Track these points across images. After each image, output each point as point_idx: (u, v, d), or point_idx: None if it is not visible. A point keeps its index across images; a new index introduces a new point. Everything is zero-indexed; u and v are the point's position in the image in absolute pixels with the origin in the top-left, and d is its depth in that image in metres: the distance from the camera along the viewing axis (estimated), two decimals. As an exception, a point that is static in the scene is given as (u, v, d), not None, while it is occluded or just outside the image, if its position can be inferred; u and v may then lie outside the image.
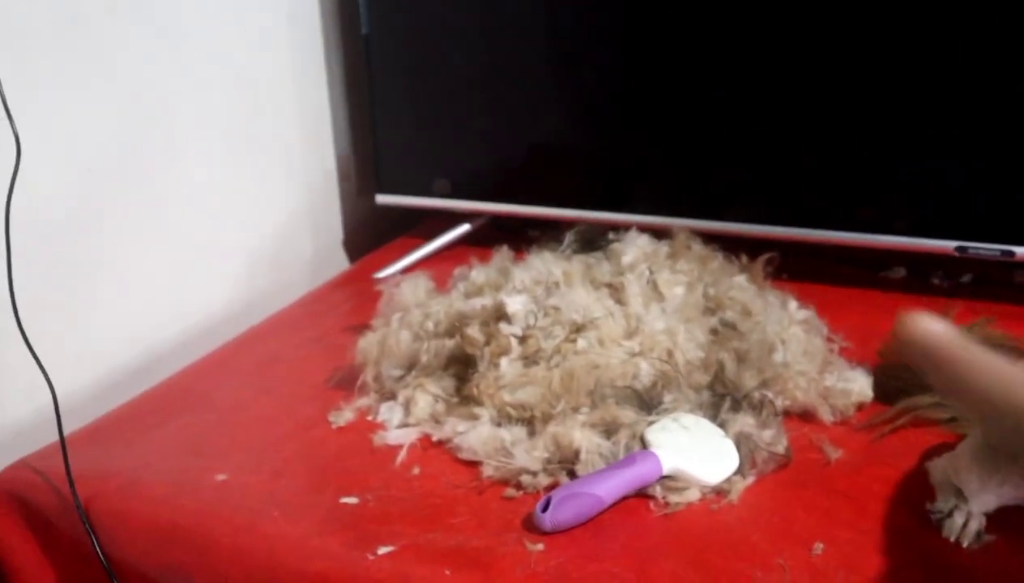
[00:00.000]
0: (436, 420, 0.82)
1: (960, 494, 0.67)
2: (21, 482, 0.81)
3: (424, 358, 0.85)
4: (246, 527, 0.73)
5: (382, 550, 0.68)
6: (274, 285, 1.15)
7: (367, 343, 0.87)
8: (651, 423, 0.76)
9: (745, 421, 0.76)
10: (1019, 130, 0.95)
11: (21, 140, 0.79)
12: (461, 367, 0.84)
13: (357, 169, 1.27)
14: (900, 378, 0.83)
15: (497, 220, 1.21)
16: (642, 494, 0.72)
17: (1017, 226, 0.97)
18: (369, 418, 0.85)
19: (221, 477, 0.78)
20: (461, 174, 1.19)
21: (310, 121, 1.21)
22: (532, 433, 0.77)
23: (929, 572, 0.64)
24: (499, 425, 0.78)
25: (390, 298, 0.92)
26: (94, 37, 0.92)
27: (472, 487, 0.75)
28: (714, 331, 0.86)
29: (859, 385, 0.83)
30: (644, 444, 0.74)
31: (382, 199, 1.21)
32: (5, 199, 0.79)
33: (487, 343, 0.82)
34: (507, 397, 0.79)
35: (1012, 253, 0.97)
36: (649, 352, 0.82)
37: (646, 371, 0.80)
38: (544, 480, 0.74)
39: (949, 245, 0.99)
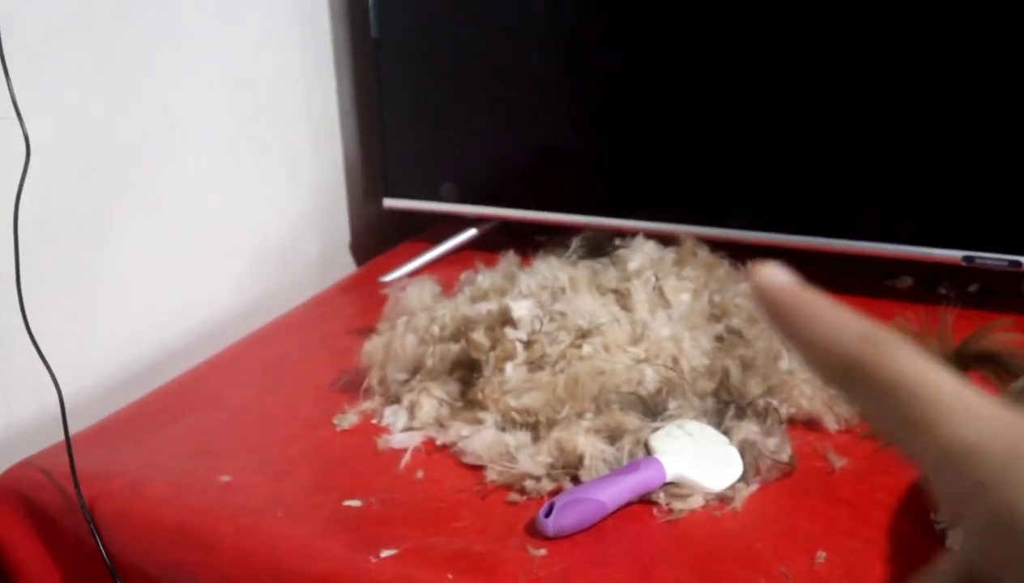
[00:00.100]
0: (440, 424, 0.82)
1: (964, 504, 0.67)
2: (26, 481, 0.81)
3: (429, 362, 0.85)
4: (250, 528, 0.73)
5: (385, 553, 0.68)
6: (280, 287, 1.15)
7: (372, 346, 0.87)
8: (655, 429, 0.76)
9: (749, 428, 0.76)
10: (1027, 140, 0.95)
11: (31, 140, 0.79)
12: (466, 371, 0.84)
13: (365, 173, 1.27)
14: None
15: (504, 225, 1.21)
16: (645, 500, 0.73)
17: (1025, 236, 0.97)
18: (374, 421, 0.85)
19: (225, 478, 0.78)
20: (468, 179, 1.19)
21: (318, 124, 1.21)
22: (536, 438, 0.77)
23: None
24: (503, 430, 0.78)
25: (396, 302, 0.92)
26: (102, 38, 0.92)
27: (476, 491, 0.75)
28: (719, 338, 0.86)
29: (864, 394, 0.82)
30: (648, 450, 0.74)
31: (389, 203, 1.21)
32: (14, 198, 0.80)
33: (492, 348, 0.83)
34: (512, 402, 0.79)
35: (1020, 263, 0.97)
36: (654, 358, 0.82)
37: (651, 377, 0.80)
38: (548, 485, 0.74)
39: (956, 255, 0.99)
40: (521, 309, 0.83)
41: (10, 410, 0.88)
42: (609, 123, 1.13)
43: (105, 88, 0.93)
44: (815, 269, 1.14)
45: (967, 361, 0.80)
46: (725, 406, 0.79)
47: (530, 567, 0.66)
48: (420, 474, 0.78)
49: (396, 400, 0.85)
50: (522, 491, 0.74)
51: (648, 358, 0.81)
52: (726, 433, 0.77)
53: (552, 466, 0.74)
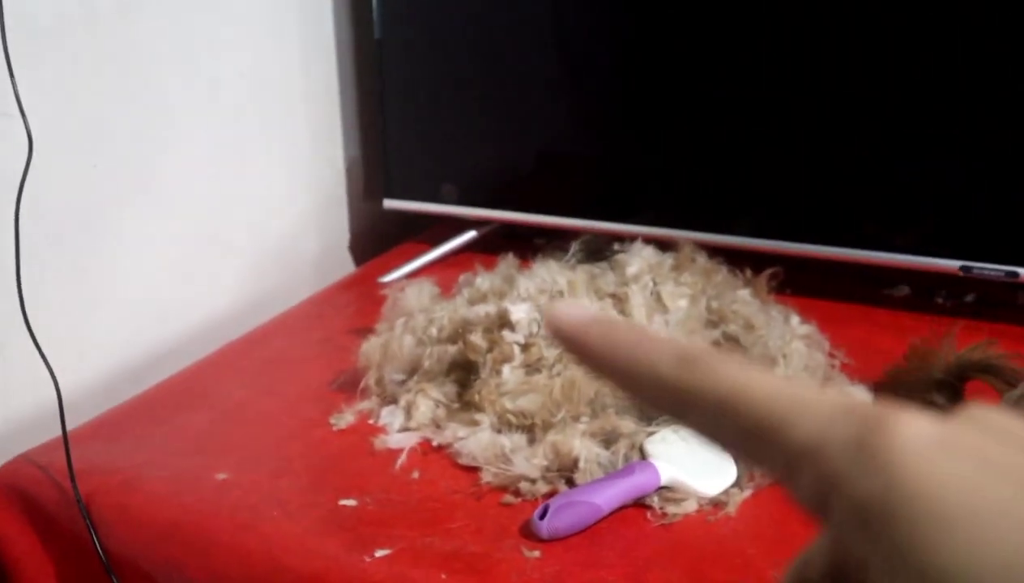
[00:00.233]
0: (437, 425, 0.82)
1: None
2: (23, 476, 0.81)
3: (427, 363, 0.85)
4: (245, 526, 0.73)
5: (379, 553, 0.69)
6: (279, 286, 1.16)
7: (370, 347, 0.87)
8: (650, 434, 0.76)
9: (744, 434, 0.76)
10: (1025, 152, 0.95)
11: (33, 137, 0.80)
12: (463, 373, 0.84)
13: (365, 173, 1.28)
14: (899, 395, 0.83)
15: (503, 228, 1.21)
16: (640, 504, 0.73)
17: (1022, 247, 0.97)
18: (370, 421, 0.85)
19: (222, 476, 0.78)
20: (469, 181, 1.19)
21: (320, 124, 1.22)
22: (532, 441, 0.78)
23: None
24: (499, 432, 0.79)
25: (394, 302, 0.93)
26: (105, 36, 0.93)
27: (471, 493, 0.75)
28: (716, 344, 0.86)
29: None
30: (643, 454, 0.75)
31: (390, 204, 1.21)
32: (15, 194, 0.80)
33: (490, 350, 0.83)
34: (508, 404, 0.79)
35: (1017, 274, 0.97)
36: (651, 363, 0.82)
37: (647, 382, 0.80)
38: (543, 487, 0.74)
39: (953, 264, 0.99)
40: (519, 312, 0.83)
41: (8, 405, 0.89)
42: (610, 127, 1.14)
43: (107, 86, 0.94)
44: (813, 277, 1.15)
45: (968, 371, 0.81)
46: (720, 411, 0.79)
47: (524, 569, 0.67)
48: (416, 475, 0.78)
49: (393, 400, 0.86)
50: (517, 493, 0.74)
51: (645, 363, 0.81)
52: (721, 438, 0.77)
53: (547, 469, 0.75)
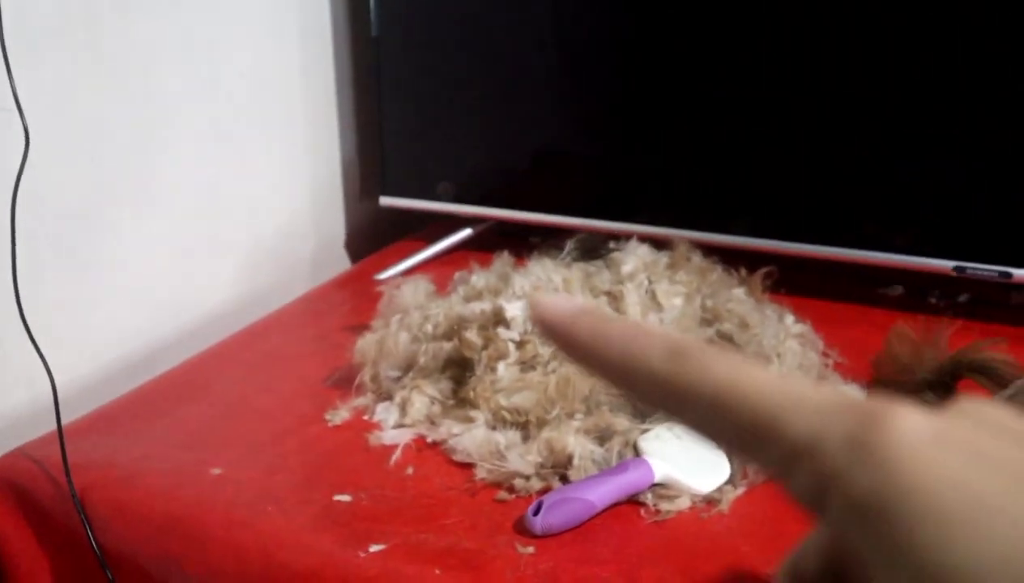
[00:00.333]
0: (432, 421, 0.83)
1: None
2: (18, 470, 0.81)
3: (422, 360, 0.85)
4: (240, 521, 0.73)
5: (374, 548, 0.69)
6: (275, 282, 1.16)
7: (365, 343, 0.88)
8: (645, 431, 0.77)
9: (738, 432, 0.76)
10: (1019, 154, 0.96)
11: (30, 131, 0.80)
12: (458, 370, 0.85)
13: (362, 171, 1.28)
14: (892, 393, 0.83)
15: (499, 226, 1.21)
16: (633, 501, 0.73)
17: (1015, 248, 0.98)
18: (365, 418, 0.85)
19: (217, 471, 0.79)
20: (465, 179, 1.19)
21: (317, 122, 1.22)
22: (526, 437, 0.78)
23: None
24: (494, 428, 0.79)
25: (390, 299, 0.93)
26: (103, 32, 0.93)
27: (465, 489, 0.76)
28: (711, 342, 0.86)
29: (852, 400, 0.83)
30: (637, 452, 0.75)
31: (386, 201, 1.21)
32: (12, 189, 0.80)
33: (485, 347, 0.83)
34: (503, 401, 0.80)
35: (1010, 274, 0.97)
36: (645, 361, 0.82)
37: (642, 379, 0.81)
38: (537, 484, 0.74)
39: (947, 264, 1.00)
40: (514, 309, 0.84)
41: (3, 399, 0.89)
42: (606, 126, 1.14)
43: (105, 81, 0.94)
44: (807, 276, 1.15)
45: (961, 370, 0.81)
46: (714, 409, 0.80)
47: (517, 565, 0.67)
48: (410, 471, 0.78)
49: (388, 397, 0.86)
50: (511, 489, 0.75)
51: (639, 360, 0.82)
52: (715, 436, 0.77)
53: (541, 465, 0.75)
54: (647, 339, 0.23)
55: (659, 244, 0.97)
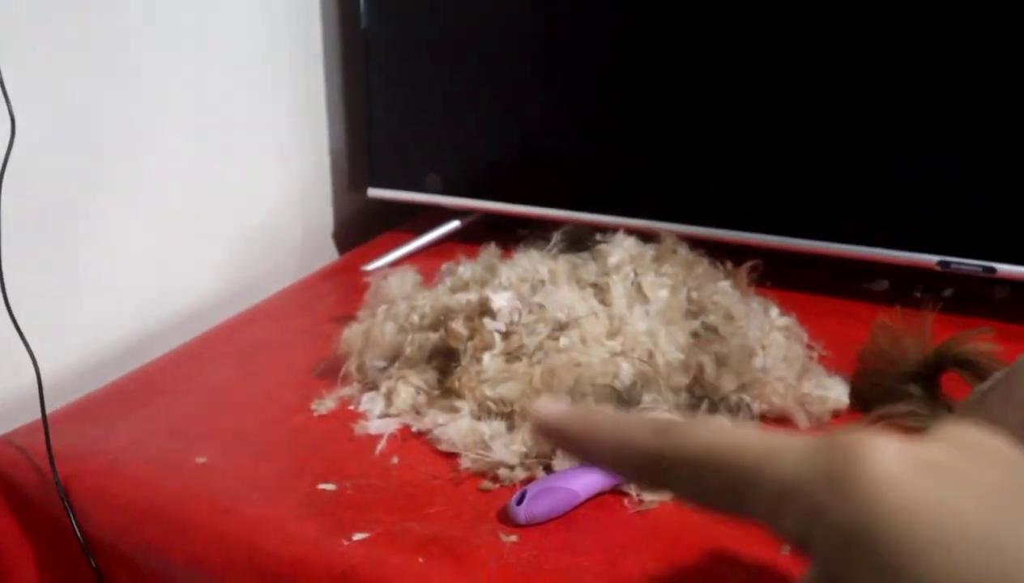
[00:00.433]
0: (417, 411, 0.83)
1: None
2: (1, 458, 0.81)
3: (408, 350, 0.86)
4: (224, 509, 0.73)
5: (357, 536, 0.69)
6: (263, 273, 1.16)
7: (352, 333, 0.88)
8: (629, 422, 0.77)
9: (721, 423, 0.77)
10: (1003, 149, 0.96)
11: (16, 118, 0.80)
12: (444, 360, 0.85)
13: (350, 162, 1.28)
14: (876, 386, 0.84)
15: (487, 218, 1.22)
16: (617, 491, 0.73)
17: (999, 243, 0.98)
18: (351, 407, 0.85)
19: (201, 460, 0.79)
20: (454, 171, 1.19)
21: (305, 112, 1.22)
22: (511, 427, 0.78)
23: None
24: (479, 419, 0.79)
25: (377, 290, 0.93)
26: (91, 20, 0.92)
27: (449, 478, 0.76)
28: (696, 334, 0.86)
29: (836, 392, 0.84)
30: (621, 442, 0.75)
31: (374, 193, 1.21)
32: (-3, 176, 0.80)
33: (471, 338, 0.83)
34: (488, 391, 0.80)
35: (993, 269, 0.98)
36: (630, 352, 0.82)
37: (627, 371, 0.81)
38: (521, 474, 0.75)
39: (932, 259, 1.00)
40: (500, 300, 0.84)
41: (-12, 387, 0.89)
42: (596, 120, 1.14)
43: (92, 70, 0.93)
44: (793, 270, 1.15)
45: (944, 363, 0.82)
46: (699, 401, 0.80)
47: (501, 553, 0.67)
48: (395, 460, 0.78)
49: (374, 387, 0.86)
50: (495, 479, 0.75)
51: (624, 352, 0.82)
52: (699, 427, 0.77)
53: (526, 455, 0.75)
54: (631, 422, 0.25)
55: (646, 237, 0.97)
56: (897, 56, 0.98)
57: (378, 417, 0.83)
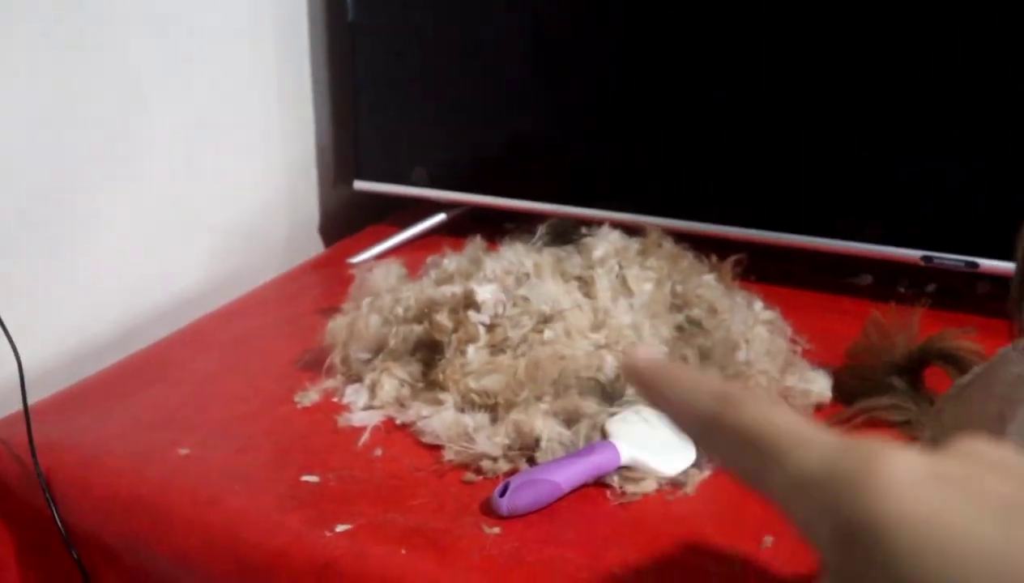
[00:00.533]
0: (401, 404, 0.83)
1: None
2: (-17, 449, 0.81)
3: (392, 342, 0.86)
4: (207, 500, 0.73)
5: (340, 528, 0.69)
6: (248, 265, 1.15)
7: (336, 325, 0.88)
8: (612, 414, 0.77)
9: (705, 416, 0.77)
10: (986, 147, 0.97)
11: (-3, 107, 0.79)
12: (428, 353, 0.85)
13: (336, 155, 1.27)
14: (861, 379, 0.84)
15: (473, 211, 1.21)
16: (600, 483, 0.74)
17: (982, 239, 0.99)
18: (335, 399, 0.85)
19: (184, 451, 0.78)
20: (439, 164, 1.19)
21: (291, 104, 1.21)
22: (495, 420, 0.78)
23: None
24: (462, 411, 0.79)
25: (362, 282, 0.93)
26: (75, 11, 0.92)
27: (433, 470, 0.76)
28: (680, 328, 0.87)
29: (819, 386, 0.84)
30: (604, 434, 0.75)
31: (360, 185, 1.21)
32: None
33: (455, 330, 0.83)
34: (472, 384, 0.80)
35: (976, 264, 0.98)
36: (615, 345, 0.83)
37: (611, 363, 0.81)
38: (504, 466, 0.75)
39: (915, 254, 1.01)
40: (485, 293, 0.84)
41: (-30, 378, 0.88)
42: (581, 114, 1.14)
43: (77, 61, 0.93)
44: (778, 264, 1.16)
45: (929, 357, 0.82)
46: (682, 394, 0.80)
47: (483, 545, 0.67)
48: (379, 452, 0.78)
49: (358, 379, 0.86)
50: (479, 471, 0.75)
51: (608, 344, 0.82)
52: (682, 420, 0.78)
53: (509, 447, 0.75)
54: (703, 385, 0.28)
55: (631, 230, 0.98)
56: (879, 49, 0.98)
57: (362, 409, 0.83)
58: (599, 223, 0.98)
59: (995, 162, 0.97)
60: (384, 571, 0.66)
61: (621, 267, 0.90)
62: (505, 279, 0.87)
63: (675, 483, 0.74)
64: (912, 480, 0.21)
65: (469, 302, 0.84)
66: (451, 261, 0.93)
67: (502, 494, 0.70)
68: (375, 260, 1.04)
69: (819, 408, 0.84)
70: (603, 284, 0.87)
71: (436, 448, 0.78)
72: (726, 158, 1.07)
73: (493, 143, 1.19)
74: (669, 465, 0.74)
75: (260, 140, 1.18)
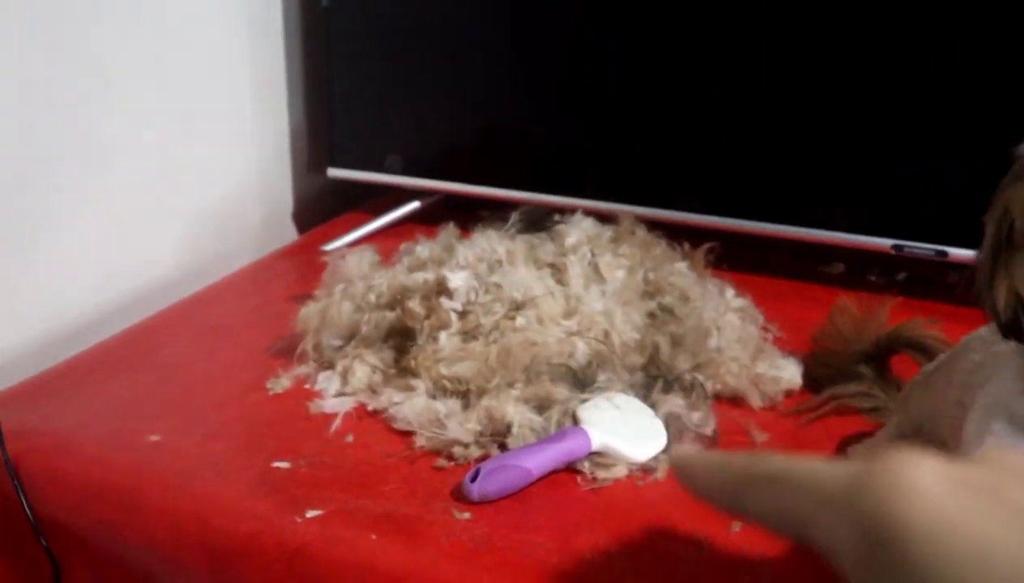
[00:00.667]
0: (373, 390, 0.83)
1: (876, 479, 0.69)
2: (-49, 436, 0.80)
3: (364, 329, 0.85)
4: (177, 487, 0.73)
5: (311, 513, 0.69)
6: (220, 252, 1.15)
7: (308, 312, 0.87)
8: (584, 401, 0.77)
9: (675, 402, 0.78)
10: (956, 137, 0.98)
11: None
12: (400, 339, 0.85)
13: (310, 142, 1.27)
14: (829, 366, 0.85)
15: (448, 199, 1.21)
16: (571, 469, 0.74)
17: (952, 228, 0.99)
18: (307, 386, 0.85)
19: (154, 438, 0.78)
20: (414, 152, 1.19)
21: (265, 91, 1.21)
22: (466, 406, 0.78)
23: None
24: (434, 397, 0.79)
25: (335, 270, 0.92)
26: (45, -7, 0.91)
27: (404, 457, 0.76)
28: (652, 315, 0.87)
29: (789, 373, 0.85)
30: (575, 421, 0.76)
31: (334, 173, 1.21)
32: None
33: (427, 317, 0.83)
34: (444, 370, 0.80)
35: (946, 253, 0.99)
36: (586, 332, 0.83)
37: (582, 350, 0.81)
38: (475, 452, 0.75)
39: (886, 243, 1.01)
40: (457, 280, 0.84)
41: (-63, 365, 0.87)
42: (556, 102, 1.14)
43: (44, 45, 0.92)
44: (750, 252, 1.16)
45: (897, 345, 0.83)
46: (653, 380, 0.81)
47: (453, 530, 0.67)
48: (350, 438, 0.78)
49: (330, 366, 0.86)
50: (450, 457, 0.75)
51: (580, 331, 0.83)
52: (652, 406, 0.78)
53: (481, 433, 0.76)
54: (734, 457, 0.31)
55: (604, 218, 0.98)
56: (850, 37, 0.99)
57: (334, 396, 0.83)
58: (572, 211, 0.98)
59: (965, 153, 0.98)
60: (355, 556, 0.66)
61: (593, 254, 0.90)
62: (477, 266, 0.87)
63: (646, 469, 0.74)
64: (937, 487, 0.22)
65: (441, 289, 0.84)
66: (424, 248, 0.93)
67: (473, 480, 0.70)
68: (349, 248, 1.04)
69: (789, 395, 0.85)
70: (575, 271, 0.88)
71: (408, 434, 0.78)
72: (698, 147, 1.08)
73: (467, 131, 1.19)
74: (640, 451, 0.75)
75: (233, 127, 1.17)
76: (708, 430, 0.77)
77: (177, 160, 1.09)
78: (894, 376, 0.83)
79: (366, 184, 1.22)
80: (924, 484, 0.22)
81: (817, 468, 0.26)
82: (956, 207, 1.00)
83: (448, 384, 0.79)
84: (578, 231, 0.93)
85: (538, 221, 0.96)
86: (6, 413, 0.78)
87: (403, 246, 0.97)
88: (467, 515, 0.69)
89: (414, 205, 1.22)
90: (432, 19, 1.15)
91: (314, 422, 0.80)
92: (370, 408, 0.81)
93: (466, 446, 0.75)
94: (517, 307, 0.83)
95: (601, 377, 0.80)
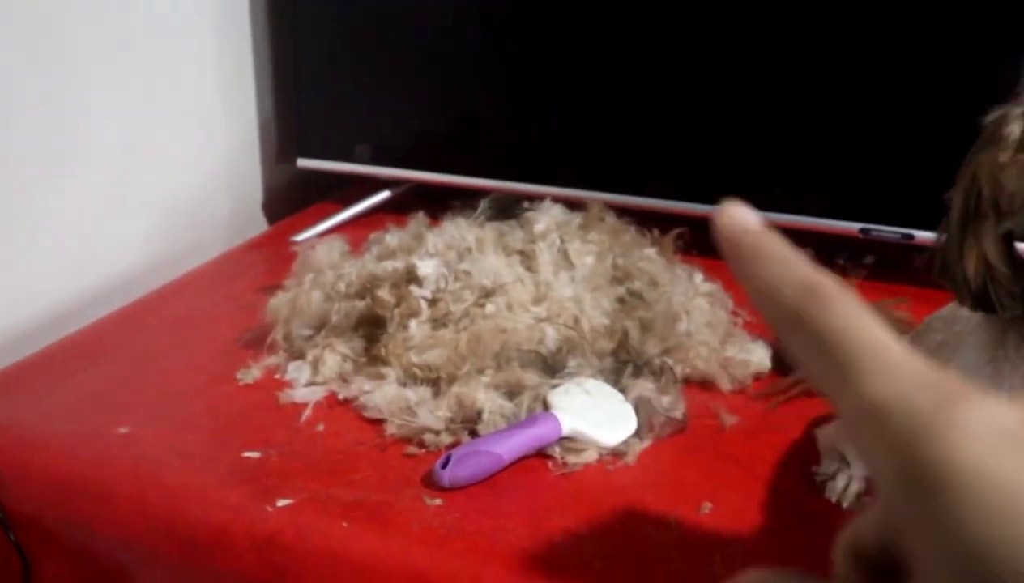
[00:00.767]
0: (343, 379, 0.83)
1: (844, 459, 0.70)
2: (-83, 431, 0.79)
3: (334, 318, 0.85)
4: (147, 478, 0.73)
5: (281, 502, 0.69)
6: (190, 244, 1.14)
7: (278, 302, 0.87)
8: (554, 386, 0.78)
9: (645, 386, 0.78)
10: (920, 121, 0.99)
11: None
12: (371, 328, 0.85)
13: (279, 132, 1.26)
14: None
15: (419, 189, 1.21)
16: (542, 454, 0.74)
17: (917, 211, 1.00)
18: (277, 376, 0.85)
19: (124, 430, 0.78)
20: (383, 141, 1.19)
21: (233, 81, 1.20)
22: (437, 393, 0.78)
23: (810, 530, 0.67)
24: (405, 385, 0.79)
25: (304, 259, 0.92)
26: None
27: (375, 444, 0.76)
28: (621, 300, 0.88)
29: (758, 356, 0.86)
30: (546, 406, 0.76)
31: (303, 163, 1.20)
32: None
33: (397, 305, 0.83)
34: (414, 358, 0.80)
35: (912, 236, 1.00)
36: (556, 318, 0.83)
37: (552, 336, 0.82)
38: (446, 439, 0.75)
39: (853, 227, 1.02)
40: (427, 267, 0.84)
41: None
42: (524, 90, 1.14)
43: (11, 40, 0.91)
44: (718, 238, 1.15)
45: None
46: (623, 365, 0.81)
47: (424, 517, 0.68)
48: (321, 427, 0.78)
49: (300, 355, 0.86)
50: (421, 444, 0.75)
51: (550, 317, 0.83)
52: (623, 391, 0.79)
53: (451, 420, 0.76)
54: (792, 269, 0.25)
55: (574, 205, 0.98)
56: (815, 23, 1.00)
57: (304, 385, 0.83)
58: (541, 198, 0.99)
59: (930, 137, 0.99)
60: (326, 544, 0.66)
61: (563, 241, 0.90)
62: (447, 254, 0.87)
63: (616, 453, 0.75)
64: (989, 433, 0.20)
65: (411, 277, 0.84)
66: (393, 237, 0.93)
67: (444, 466, 0.70)
68: (318, 238, 1.04)
69: (758, 378, 0.85)
70: (545, 258, 0.88)
71: (378, 422, 0.78)
72: (666, 133, 1.08)
73: (436, 119, 1.18)
74: (610, 435, 0.75)
75: (201, 117, 1.16)
76: (678, 414, 0.78)
77: (145, 152, 1.08)
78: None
79: (336, 174, 1.21)
80: (977, 429, 0.20)
81: (874, 362, 0.22)
82: (922, 190, 1.01)
83: (418, 372, 0.80)
84: (547, 218, 0.93)
85: (507, 208, 0.96)
86: (-27, 407, 0.78)
87: (372, 235, 0.96)
88: (438, 502, 0.69)
89: (384, 195, 1.21)
90: (401, 8, 1.15)
91: (284, 412, 0.80)
92: (340, 397, 0.81)
93: (437, 433, 0.75)
94: (487, 294, 0.83)
95: (571, 363, 0.81)
